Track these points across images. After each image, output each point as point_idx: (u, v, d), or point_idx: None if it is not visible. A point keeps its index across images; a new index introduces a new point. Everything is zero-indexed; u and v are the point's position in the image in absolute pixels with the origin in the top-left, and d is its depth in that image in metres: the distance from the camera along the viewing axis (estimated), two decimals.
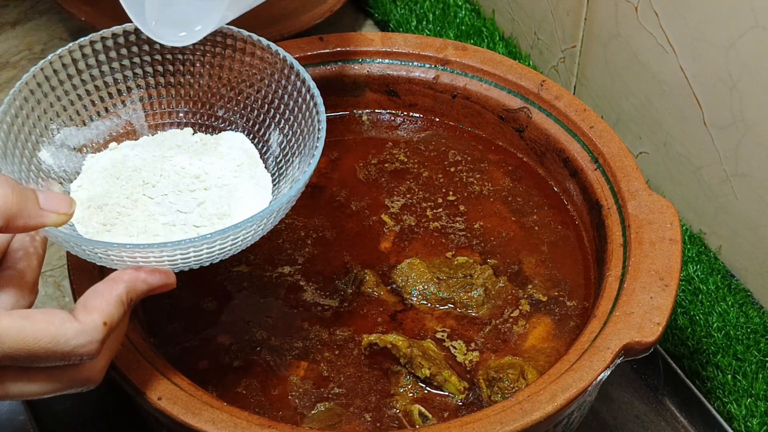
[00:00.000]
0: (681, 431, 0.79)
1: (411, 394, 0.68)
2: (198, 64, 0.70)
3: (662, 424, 0.80)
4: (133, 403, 0.66)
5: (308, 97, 0.66)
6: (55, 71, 0.65)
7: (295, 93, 0.67)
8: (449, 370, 0.68)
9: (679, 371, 0.82)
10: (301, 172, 0.63)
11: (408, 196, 0.81)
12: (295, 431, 0.60)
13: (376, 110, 0.88)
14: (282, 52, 0.67)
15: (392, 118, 0.88)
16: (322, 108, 0.65)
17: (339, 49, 0.85)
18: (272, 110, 0.69)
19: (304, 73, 0.66)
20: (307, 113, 0.66)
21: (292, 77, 0.67)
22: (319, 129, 0.64)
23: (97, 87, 0.68)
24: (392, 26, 1.16)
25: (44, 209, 0.53)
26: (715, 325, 0.85)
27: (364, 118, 0.88)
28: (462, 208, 0.80)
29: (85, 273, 0.67)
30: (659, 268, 0.67)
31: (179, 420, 0.60)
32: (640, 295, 0.66)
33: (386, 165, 0.84)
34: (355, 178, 0.82)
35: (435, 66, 0.85)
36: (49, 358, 0.51)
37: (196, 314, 0.72)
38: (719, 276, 0.89)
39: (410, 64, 0.85)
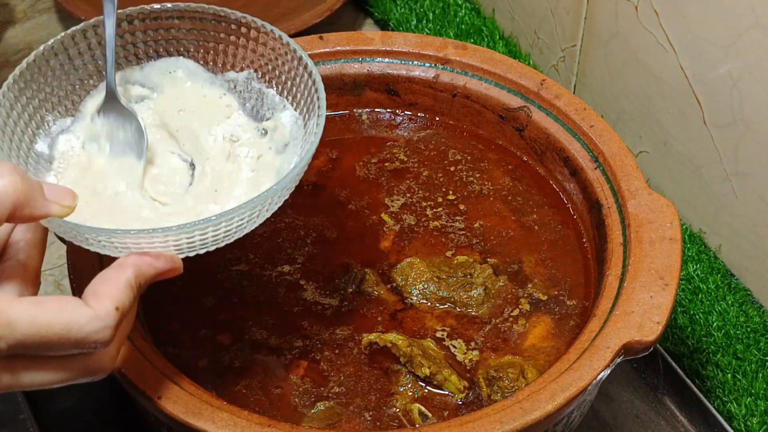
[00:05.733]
0: (681, 430, 0.79)
1: (411, 393, 0.68)
2: (194, 49, 0.70)
3: (662, 423, 0.80)
4: (133, 402, 0.66)
5: (309, 80, 0.66)
6: (47, 61, 0.65)
7: (297, 77, 0.67)
8: (449, 369, 0.68)
9: (679, 370, 0.82)
10: (303, 151, 0.63)
11: (408, 195, 0.81)
12: (295, 430, 0.60)
13: (376, 109, 0.88)
14: (285, 36, 0.67)
15: (392, 117, 0.88)
16: (322, 91, 0.64)
17: (339, 48, 0.85)
18: (284, 90, 0.69)
19: (306, 58, 0.66)
20: (307, 94, 0.66)
21: (295, 62, 0.67)
22: (319, 107, 0.64)
23: (90, 75, 0.68)
24: (392, 25, 1.16)
25: (49, 200, 0.53)
26: (714, 324, 0.85)
27: (364, 117, 0.88)
28: (462, 207, 0.80)
29: (84, 271, 0.67)
30: (659, 267, 0.67)
31: (179, 419, 0.60)
32: (640, 294, 0.66)
33: (386, 164, 0.84)
34: (355, 177, 0.82)
35: (435, 65, 0.85)
36: (62, 345, 0.50)
37: (196, 314, 0.72)
38: (719, 275, 0.89)
39: (410, 63, 0.85)
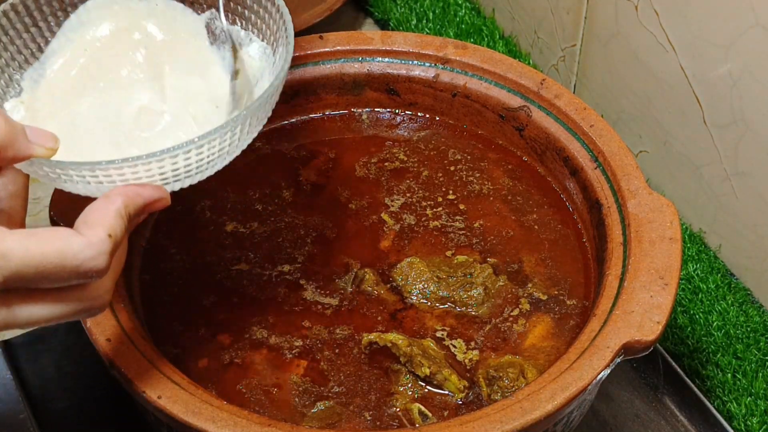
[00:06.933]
0: (681, 430, 0.79)
1: (411, 393, 0.68)
2: None
3: (662, 423, 0.80)
4: (133, 402, 0.66)
5: (273, 8, 0.65)
6: (10, 21, 0.65)
7: (261, 8, 0.67)
8: (449, 368, 0.68)
9: (678, 370, 0.82)
10: (274, 74, 0.62)
11: (408, 195, 0.81)
12: (295, 430, 0.60)
13: (376, 109, 0.88)
14: None
15: (392, 116, 0.88)
16: (287, 15, 0.64)
17: (339, 47, 0.85)
18: (248, 23, 0.69)
19: None
20: (273, 23, 0.66)
21: None
22: (287, 33, 0.63)
23: (53, 33, 0.67)
24: (392, 25, 1.16)
25: (32, 142, 0.53)
26: (714, 323, 0.85)
27: (364, 116, 0.88)
28: (462, 207, 0.80)
29: None
30: (659, 266, 0.67)
31: (179, 419, 0.60)
32: (640, 294, 0.66)
33: (386, 164, 0.84)
34: (354, 177, 0.82)
35: (435, 65, 0.85)
36: (58, 274, 0.50)
37: (196, 313, 0.72)
38: (719, 275, 0.89)
39: (410, 62, 0.85)
